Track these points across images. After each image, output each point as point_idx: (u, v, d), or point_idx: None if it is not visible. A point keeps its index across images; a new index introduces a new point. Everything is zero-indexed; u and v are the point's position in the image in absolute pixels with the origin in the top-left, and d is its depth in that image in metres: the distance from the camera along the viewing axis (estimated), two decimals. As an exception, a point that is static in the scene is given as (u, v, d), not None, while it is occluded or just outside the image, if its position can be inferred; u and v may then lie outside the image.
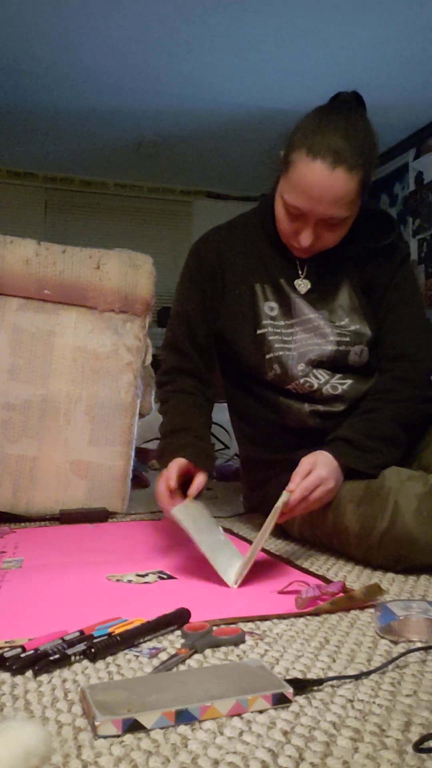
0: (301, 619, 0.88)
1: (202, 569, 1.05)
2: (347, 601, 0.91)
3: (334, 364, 1.33)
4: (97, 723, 0.57)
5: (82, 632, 0.80)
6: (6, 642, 0.78)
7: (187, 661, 0.75)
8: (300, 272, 1.37)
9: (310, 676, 0.70)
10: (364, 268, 1.37)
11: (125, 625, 0.82)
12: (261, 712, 0.61)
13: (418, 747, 0.54)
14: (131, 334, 1.75)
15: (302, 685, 0.65)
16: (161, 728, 0.58)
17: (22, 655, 0.72)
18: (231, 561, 1.09)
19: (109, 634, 0.79)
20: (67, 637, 0.78)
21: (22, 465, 1.67)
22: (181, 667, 0.73)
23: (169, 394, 1.40)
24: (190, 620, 0.85)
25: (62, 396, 1.70)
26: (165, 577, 1.08)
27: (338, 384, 1.34)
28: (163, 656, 0.76)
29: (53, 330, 1.71)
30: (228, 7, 3.14)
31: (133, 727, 0.57)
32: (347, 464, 1.20)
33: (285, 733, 0.58)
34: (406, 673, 0.70)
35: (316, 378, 1.33)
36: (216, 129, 4.51)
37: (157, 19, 3.25)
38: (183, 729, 0.58)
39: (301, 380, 1.33)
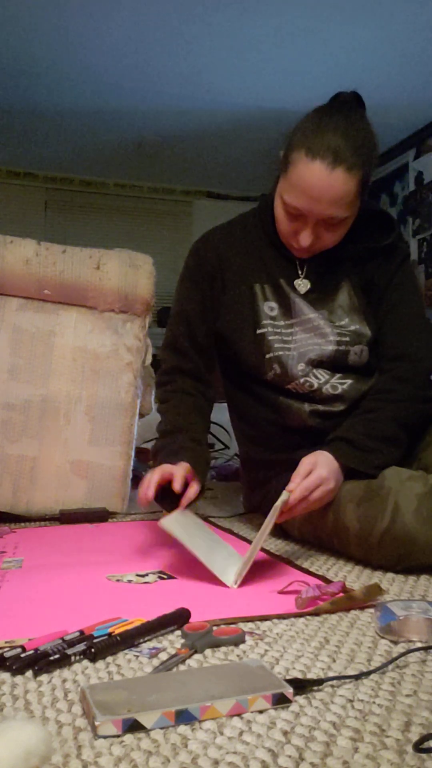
0: (301, 619, 0.88)
1: (202, 569, 1.05)
2: (347, 601, 0.91)
3: (334, 363, 1.33)
4: (97, 723, 0.57)
5: (82, 632, 0.80)
6: (6, 642, 0.78)
7: (187, 661, 0.75)
8: (300, 272, 1.37)
9: (310, 676, 0.70)
10: (364, 268, 1.37)
11: (125, 625, 0.82)
12: (261, 712, 0.61)
13: (418, 747, 0.54)
14: (131, 334, 1.75)
15: (302, 685, 0.65)
16: (161, 728, 0.58)
17: (22, 655, 0.72)
18: (228, 562, 1.09)
19: (109, 634, 0.79)
20: (67, 637, 0.78)
21: (22, 465, 1.67)
22: (181, 667, 0.73)
23: (168, 395, 1.40)
24: (190, 620, 0.85)
25: (62, 396, 1.70)
26: (165, 577, 1.08)
27: (338, 384, 1.34)
28: (163, 656, 0.76)
29: (53, 330, 1.71)
30: (228, 7, 3.14)
31: (133, 727, 0.57)
32: (347, 464, 1.20)
33: (285, 733, 0.58)
34: (406, 673, 0.70)
35: (316, 378, 1.33)
36: (216, 129, 4.51)
37: (157, 19, 3.25)
38: (183, 729, 0.58)
39: (301, 380, 1.33)
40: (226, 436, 2.53)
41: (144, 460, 2.79)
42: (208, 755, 0.54)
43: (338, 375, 1.34)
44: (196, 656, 0.76)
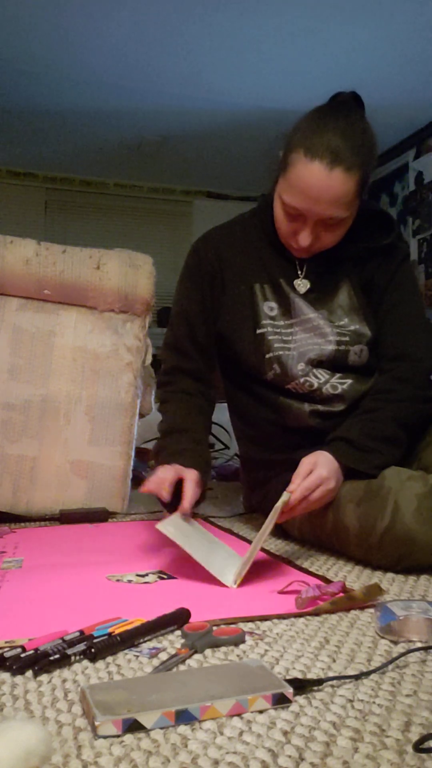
0: (301, 619, 0.88)
1: (202, 569, 1.05)
2: (347, 601, 0.91)
3: (333, 363, 1.33)
4: (97, 723, 0.57)
5: (82, 632, 0.80)
6: (6, 642, 0.78)
7: (187, 661, 0.75)
8: (299, 272, 1.37)
9: (310, 676, 0.70)
10: (364, 268, 1.37)
11: (125, 625, 0.82)
12: (261, 712, 0.61)
13: (418, 747, 0.54)
14: (131, 334, 1.75)
15: (302, 685, 0.65)
16: (161, 728, 0.58)
17: (22, 655, 0.72)
18: (226, 562, 1.09)
19: (109, 634, 0.79)
20: (67, 637, 0.78)
21: (22, 465, 1.67)
22: (181, 667, 0.73)
23: (169, 395, 1.40)
24: (190, 620, 0.85)
25: (62, 396, 1.70)
26: (165, 577, 1.08)
27: (338, 383, 1.34)
28: (163, 656, 0.76)
29: (53, 330, 1.71)
30: (228, 7, 3.14)
31: (133, 727, 0.57)
32: (347, 464, 1.20)
33: (285, 733, 0.58)
34: (406, 673, 0.70)
35: (316, 377, 1.33)
36: (216, 129, 4.51)
37: (157, 19, 3.25)
38: (183, 729, 0.58)
39: (301, 380, 1.33)
40: (226, 436, 2.52)
41: (144, 460, 2.78)
42: (208, 755, 0.54)
43: (338, 375, 1.34)
44: (196, 656, 0.76)
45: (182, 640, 0.79)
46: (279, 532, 1.39)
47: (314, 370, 1.33)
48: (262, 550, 1.25)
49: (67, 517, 1.62)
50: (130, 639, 0.78)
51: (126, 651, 0.77)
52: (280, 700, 0.62)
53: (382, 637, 0.81)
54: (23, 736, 0.51)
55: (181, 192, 5.67)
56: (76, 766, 0.53)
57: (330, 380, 1.34)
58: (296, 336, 1.34)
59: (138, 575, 1.09)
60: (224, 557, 1.11)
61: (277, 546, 1.33)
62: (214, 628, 0.81)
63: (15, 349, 1.68)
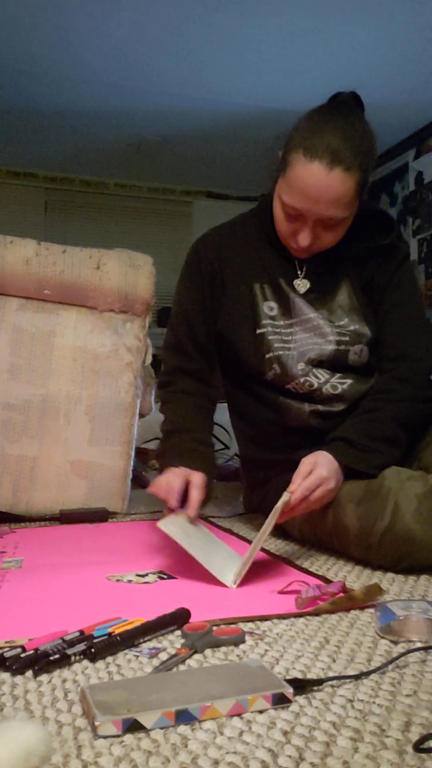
0: (301, 619, 0.88)
1: (202, 569, 1.05)
2: (347, 601, 0.91)
3: (333, 363, 1.33)
4: (97, 723, 0.57)
5: (82, 632, 0.80)
6: (6, 642, 0.78)
7: (187, 661, 0.75)
8: (299, 272, 1.37)
9: (310, 676, 0.70)
10: (364, 268, 1.37)
11: (125, 625, 0.82)
12: (261, 712, 0.61)
13: (418, 747, 0.54)
14: (131, 334, 1.75)
15: (302, 685, 0.65)
16: (161, 728, 0.58)
17: (22, 655, 0.72)
18: (226, 562, 1.09)
19: (109, 634, 0.79)
20: (67, 637, 0.78)
21: (22, 465, 1.67)
22: (181, 667, 0.73)
23: (171, 395, 1.40)
24: (190, 620, 0.85)
25: (62, 396, 1.70)
26: (165, 577, 1.08)
27: (338, 383, 1.34)
28: (163, 656, 0.76)
29: (53, 330, 1.71)
30: (228, 6, 3.15)
31: (133, 727, 0.57)
32: (347, 464, 1.20)
33: (285, 733, 0.58)
34: (406, 673, 0.70)
35: (316, 377, 1.33)
36: (216, 129, 4.51)
37: (157, 19, 3.25)
38: (183, 729, 0.58)
39: (301, 379, 1.33)
40: (226, 436, 2.52)
41: (144, 460, 2.78)
42: (208, 755, 0.54)
43: (338, 375, 1.34)
44: (196, 656, 0.76)
45: (182, 640, 0.79)
46: (279, 532, 1.39)
47: (314, 370, 1.33)
48: (262, 550, 1.25)
49: (67, 517, 1.62)
50: (130, 639, 0.78)
51: (126, 651, 0.77)
52: (280, 700, 0.62)
53: (382, 637, 0.81)
54: (23, 736, 0.51)
55: (180, 192, 5.67)
56: (76, 766, 0.53)
57: (330, 380, 1.34)
58: (296, 336, 1.34)
59: (138, 575, 1.09)
60: (224, 557, 1.11)
61: (277, 546, 1.33)
62: (214, 628, 0.81)
63: (15, 349, 1.68)
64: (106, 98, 4.11)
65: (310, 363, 1.33)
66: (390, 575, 1.10)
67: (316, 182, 1.16)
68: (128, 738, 0.57)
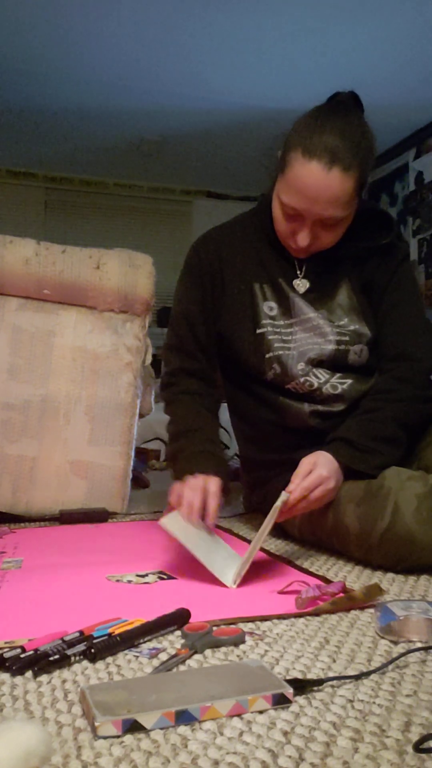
0: (301, 620, 0.88)
1: (202, 570, 1.05)
2: (347, 602, 0.91)
3: (334, 363, 1.33)
4: (97, 723, 0.57)
5: (81, 633, 0.79)
6: (6, 642, 0.78)
7: (187, 662, 0.74)
8: (298, 272, 1.36)
9: (310, 676, 0.70)
10: (363, 267, 1.37)
11: (125, 625, 0.82)
12: (261, 712, 0.61)
13: (418, 747, 0.54)
14: (131, 334, 1.75)
15: (302, 686, 0.65)
16: (161, 729, 0.58)
17: (22, 656, 0.72)
18: (227, 562, 1.08)
19: (109, 635, 0.79)
20: (67, 638, 0.77)
21: (21, 465, 1.67)
22: (181, 668, 0.73)
23: (175, 396, 1.39)
24: (190, 620, 0.84)
25: (62, 396, 1.70)
26: (165, 577, 1.08)
27: (338, 383, 1.34)
28: (163, 656, 0.76)
29: (53, 330, 1.71)
30: (228, 6, 3.14)
31: (133, 727, 0.57)
32: (347, 464, 1.20)
33: (285, 733, 0.58)
34: (406, 673, 0.70)
35: (316, 377, 1.33)
36: (216, 129, 4.51)
37: (157, 18, 3.25)
38: (183, 729, 0.58)
39: (301, 379, 1.33)
40: (226, 436, 2.52)
41: (144, 460, 2.78)
42: (208, 756, 0.54)
43: (338, 375, 1.34)
44: (196, 656, 0.76)
45: (182, 641, 0.79)
46: (279, 532, 1.39)
47: (314, 370, 1.33)
48: (263, 550, 1.25)
49: (66, 518, 1.62)
50: (129, 639, 0.78)
51: (126, 651, 0.77)
52: (280, 701, 0.62)
53: (382, 638, 0.81)
54: (23, 737, 0.51)
55: (180, 192, 5.67)
56: (76, 766, 0.53)
57: (330, 380, 1.33)
58: (296, 336, 1.34)
59: (138, 575, 1.09)
60: (225, 557, 1.11)
61: (277, 546, 1.33)
62: (214, 628, 0.81)
63: (15, 349, 1.68)
64: (106, 98, 4.11)
65: (310, 363, 1.33)
66: (390, 575, 1.10)
67: (315, 182, 1.16)
68: (128, 738, 0.57)
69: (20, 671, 0.71)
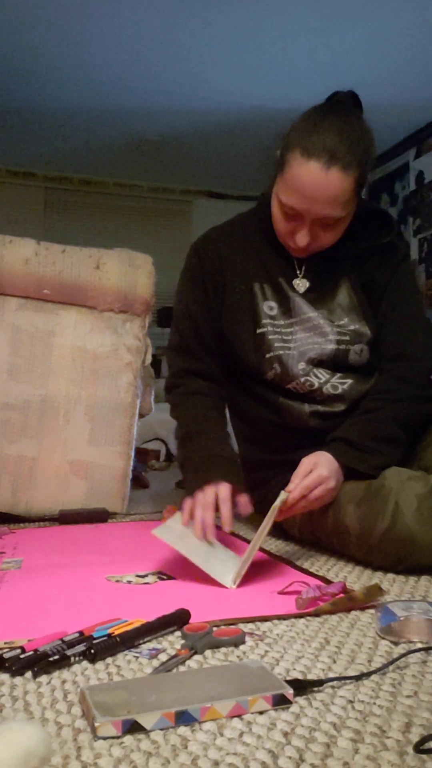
0: (302, 620, 0.88)
1: (202, 570, 1.05)
2: (348, 602, 0.91)
3: (334, 363, 1.33)
4: (96, 724, 0.57)
5: (81, 633, 0.79)
6: (5, 643, 0.78)
7: (187, 662, 0.74)
8: (298, 272, 1.36)
9: (310, 676, 0.70)
10: (363, 267, 1.37)
11: (125, 625, 0.82)
12: (261, 713, 0.61)
13: (419, 748, 0.54)
14: (131, 334, 1.75)
15: (302, 686, 0.65)
16: (161, 729, 0.58)
17: (22, 656, 0.72)
18: (225, 564, 1.08)
19: (109, 635, 0.78)
20: (67, 638, 0.77)
21: (21, 465, 1.66)
22: (181, 668, 0.73)
23: (180, 398, 1.37)
24: (190, 621, 0.84)
25: (61, 396, 1.69)
26: (165, 577, 1.08)
27: (338, 383, 1.33)
28: (163, 657, 0.76)
29: (53, 330, 1.71)
30: (228, 5, 3.14)
31: (132, 728, 0.57)
32: (348, 464, 1.20)
33: (285, 734, 0.57)
34: (406, 673, 0.70)
35: (317, 377, 1.33)
36: (216, 128, 4.51)
37: (157, 17, 3.25)
38: (183, 730, 0.58)
39: (302, 379, 1.33)
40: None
41: (144, 460, 2.78)
42: (208, 756, 0.54)
43: (338, 375, 1.34)
44: (196, 657, 0.76)
45: (182, 641, 0.79)
46: (279, 532, 1.38)
47: (315, 370, 1.33)
48: (263, 550, 1.25)
49: (66, 518, 1.62)
50: (129, 640, 0.78)
51: (126, 652, 0.77)
52: (281, 701, 0.62)
53: (383, 638, 0.81)
54: (23, 738, 0.51)
55: (180, 191, 5.66)
56: (76, 767, 0.53)
57: (330, 380, 1.33)
58: (296, 335, 1.34)
59: (138, 576, 1.09)
60: (223, 559, 1.11)
61: (277, 546, 1.33)
62: (214, 628, 0.81)
63: (14, 349, 1.68)
64: (106, 97, 4.11)
65: (311, 362, 1.33)
66: (390, 576, 1.10)
67: (314, 181, 1.16)
68: (128, 739, 0.56)
69: (20, 672, 0.71)
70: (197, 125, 4.48)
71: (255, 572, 1.07)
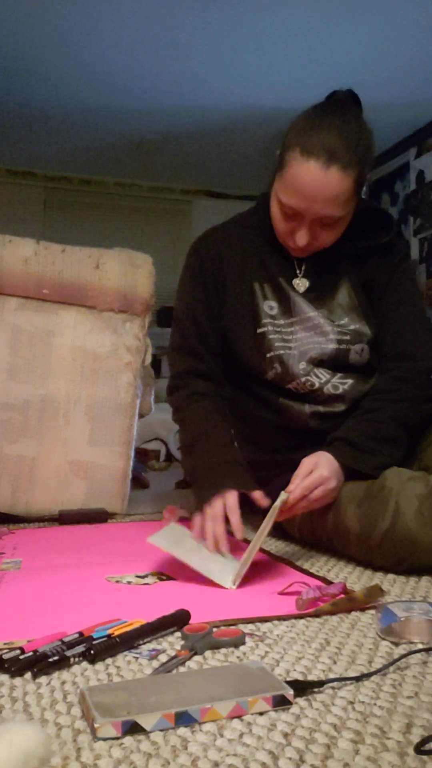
0: (302, 621, 0.87)
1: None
2: (348, 603, 0.90)
3: (335, 362, 1.33)
4: (96, 725, 0.56)
5: (81, 634, 0.79)
6: (5, 643, 0.78)
7: (187, 663, 0.74)
8: (298, 271, 1.36)
9: (310, 677, 0.70)
10: (363, 266, 1.37)
11: (125, 626, 0.82)
12: (261, 714, 0.61)
13: (419, 749, 0.54)
14: (131, 334, 1.75)
15: (303, 687, 0.65)
16: (161, 730, 0.58)
17: (21, 657, 0.72)
18: (224, 566, 1.08)
19: (109, 636, 0.78)
20: (67, 639, 0.77)
21: (21, 465, 1.66)
22: (181, 669, 0.73)
23: (183, 400, 1.36)
24: (190, 621, 0.84)
25: (61, 396, 1.69)
26: (164, 578, 1.08)
27: (339, 384, 1.33)
28: (163, 658, 0.76)
29: (52, 330, 1.71)
30: (228, 5, 3.14)
31: (132, 729, 0.57)
32: (348, 465, 1.19)
33: (285, 735, 0.57)
34: (407, 674, 0.70)
35: (317, 377, 1.33)
36: (216, 128, 4.50)
37: (157, 17, 3.25)
38: (183, 731, 0.58)
39: (302, 379, 1.32)
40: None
41: (144, 460, 2.78)
42: (208, 757, 0.54)
43: (339, 375, 1.34)
44: (196, 658, 0.76)
45: (182, 642, 0.79)
46: (279, 532, 1.38)
47: (315, 370, 1.33)
48: (263, 551, 1.25)
49: (66, 518, 1.62)
50: (129, 640, 0.77)
51: (125, 652, 0.77)
52: (281, 702, 0.62)
53: (383, 639, 0.80)
54: (22, 738, 0.50)
55: (180, 191, 5.66)
56: (76, 769, 0.52)
57: (331, 380, 1.33)
58: (297, 335, 1.33)
59: (137, 576, 1.09)
60: (222, 561, 1.10)
61: (278, 547, 1.32)
62: (214, 629, 0.81)
63: (14, 348, 1.68)
64: (106, 97, 4.11)
65: (312, 362, 1.33)
66: (391, 576, 1.10)
67: (313, 181, 1.16)
68: (128, 740, 0.56)
69: (19, 672, 0.70)
70: (197, 125, 4.47)
71: (255, 573, 1.07)
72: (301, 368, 1.32)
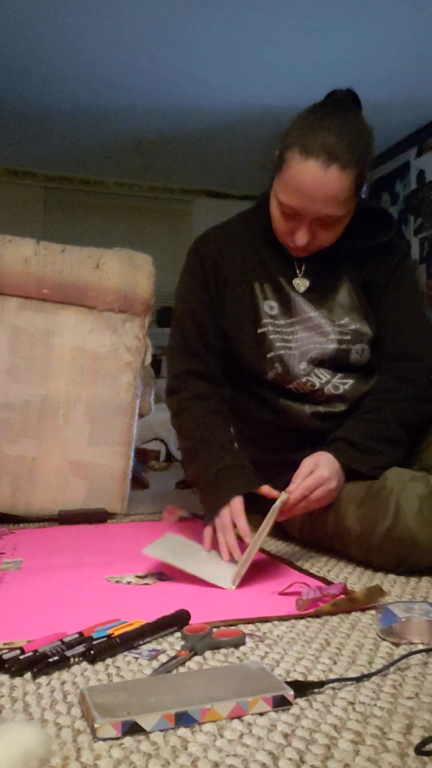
0: (302, 621, 0.87)
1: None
2: (348, 603, 0.90)
3: (335, 362, 1.33)
4: (96, 725, 0.56)
5: (81, 634, 0.79)
6: (5, 644, 0.78)
7: (187, 663, 0.74)
8: (298, 271, 1.36)
9: (310, 678, 0.70)
10: (363, 266, 1.37)
11: (125, 626, 0.82)
12: (261, 714, 0.61)
13: (420, 750, 0.54)
14: (131, 334, 1.75)
15: (303, 688, 0.65)
16: (161, 730, 0.58)
17: (21, 657, 0.72)
18: (222, 568, 1.08)
19: (109, 636, 0.78)
20: (66, 639, 0.77)
21: (21, 465, 1.66)
22: (181, 669, 0.73)
23: (183, 403, 1.35)
24: (190, 622, 0.84)
25: (61, 396, 1.69)
26: (164, 578, 1.08)
27: (340, 384, 1.33)
28: (163, 658, 0.76)
29: (52, 330, 1.71)
30: (228, 4, 3.14)
31: (132, 729, 0.57)
32: (349, 465, 1.19)
33: (285, 735, 0.57)
34: (407, 675, 0.70)
35: (318, 377, 1.33)
36: (216, 127, 4.50)
37: (157, 16, 3.25)
38: (183, 731, 0.58)
39: (303, 379, 1.32)
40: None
41: (143, 460, 2.78)
42: (208, 758, 0.54)
43: (340, 375, 1.34)
44: (196, 658, 0.76)
45: (182, 642, 0.79)
46: (279, 533, 1.38)
47: (316, 370, 1.33)
48: (263, 551, 1.25)
49: (66, 518, 1.62)
50: (129, 641, 0.77)
51: (125, 653, 0.77)
52: (281, 703, 0.62)
53: (384, 639, 0.80)
54: (22, 739, 0.50)
55: (180, 191, 5.66)
56: (75, 769, 0.52)
57: (331, 380, 1.33)
58: (297, 335, 1.33)
59: (137, 576, 1.09)
60: (219, 564, 1.10)
61: (278, 547, 1.32)
62: (214, 629, 0.81)
63: (14, 348, 1.68)
64: (106, 97, 4.11)
65: (312, 362, 1.32)
66: (391, 577, 1.10)
67: (312, 181, 1.16)
68: (128, 740, 0.56)
69: (19, 672, 0.70)
70: (197, 125, 4.47)
71: (255, 573, 1.07)
72: (302, 368, 1.32)
